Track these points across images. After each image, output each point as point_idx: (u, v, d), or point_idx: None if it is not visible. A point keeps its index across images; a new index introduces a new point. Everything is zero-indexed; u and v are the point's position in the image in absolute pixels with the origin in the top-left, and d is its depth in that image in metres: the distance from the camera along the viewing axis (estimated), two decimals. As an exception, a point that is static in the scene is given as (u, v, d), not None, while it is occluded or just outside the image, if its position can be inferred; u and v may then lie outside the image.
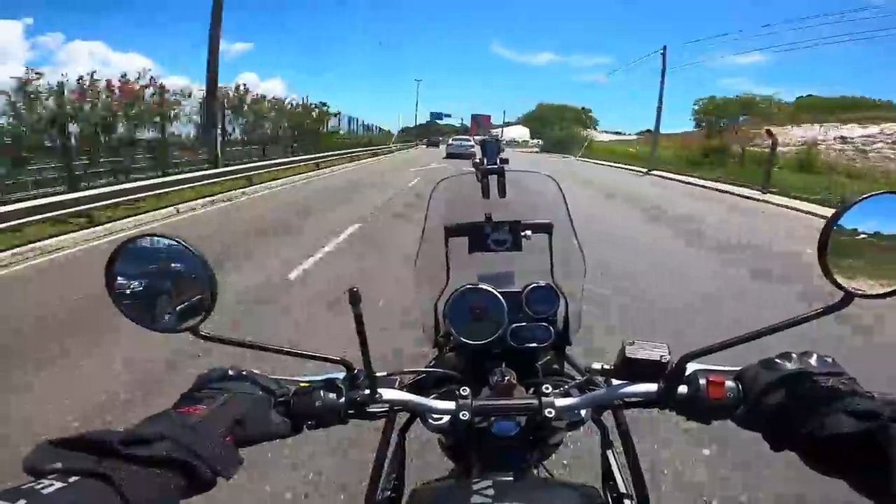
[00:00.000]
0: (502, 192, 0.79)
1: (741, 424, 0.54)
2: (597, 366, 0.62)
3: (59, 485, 0.32)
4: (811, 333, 0.53)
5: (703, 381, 0.54)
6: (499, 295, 0.75)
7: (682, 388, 0.56)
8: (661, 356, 0.57)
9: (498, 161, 0.79)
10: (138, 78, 9.59)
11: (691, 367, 0.55)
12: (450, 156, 25.91)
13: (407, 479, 0.72)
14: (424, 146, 45.53)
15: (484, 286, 0.76)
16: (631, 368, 0.57)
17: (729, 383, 0.54)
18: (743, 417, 0.53)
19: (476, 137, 28.10)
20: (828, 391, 0.47)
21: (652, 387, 0.57)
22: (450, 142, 31.26)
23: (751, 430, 0.53)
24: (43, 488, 0.32)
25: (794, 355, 0.53)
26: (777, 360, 0.53)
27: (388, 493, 0.67)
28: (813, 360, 0.51)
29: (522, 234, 0.79)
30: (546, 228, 0.81)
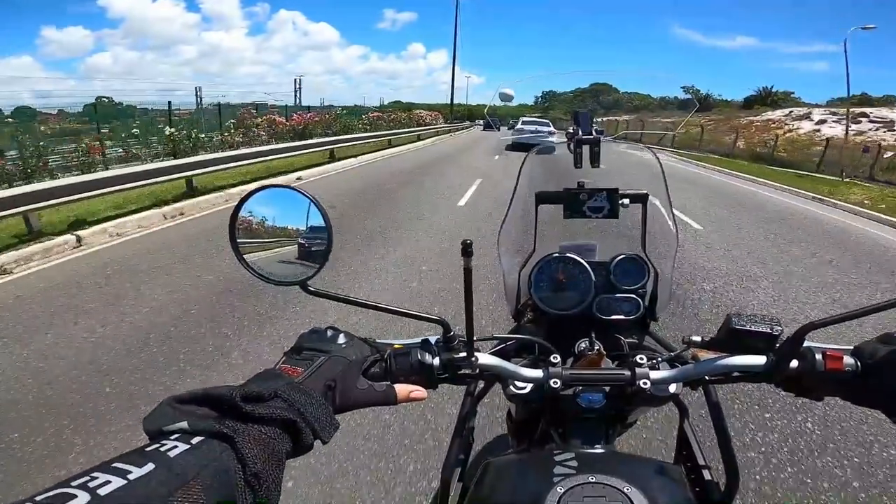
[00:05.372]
0: (596, 161, 0.77)
1: (856, 401, 0.52)
2: (696, 338, 0.59)
3: (183, 446, 0.32)
4: None
5: (818, 356, 0.52)
6: (587, 265, 0.74)
7: (793, 363, 0.53)
8: (773, 328, 0.54)
9: (594, 131, 0.77)
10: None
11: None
12: (515, 145, 15.90)
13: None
14: (481, 129, 35.85)
15: (571, 255, 0.75)
16: (737, 341, 0.55)
17: (847, 359, 0.52)
18: (859, 393, 0.51)
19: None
20: None
21: (756, 360, 0.54)
22: (518, 125, 18.94)
23: (867, 406, 0.51)
24: (168, 450, 0.32)
25: None
26: None
27: (461, 457, 0.68)
28: None
29: (620, 202, 0.77)
30: (641, 199, 0.78)
